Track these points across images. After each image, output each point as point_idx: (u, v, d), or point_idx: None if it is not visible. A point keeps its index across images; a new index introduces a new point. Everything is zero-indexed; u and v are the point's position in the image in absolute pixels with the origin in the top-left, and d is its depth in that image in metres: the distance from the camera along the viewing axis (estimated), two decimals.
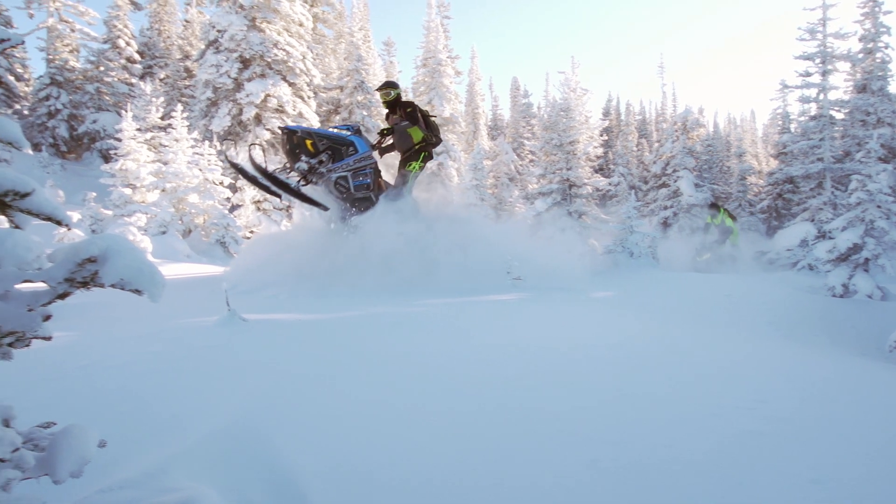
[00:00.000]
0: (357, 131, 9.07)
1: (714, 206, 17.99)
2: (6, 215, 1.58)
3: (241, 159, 8.51)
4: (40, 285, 1.56)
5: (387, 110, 9.69)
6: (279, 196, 8.33)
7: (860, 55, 18.16)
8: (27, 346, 1.58)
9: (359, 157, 8.83)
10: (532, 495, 2.42)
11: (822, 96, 17.91)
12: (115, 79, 24.88)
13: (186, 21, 29.97)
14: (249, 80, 18.57)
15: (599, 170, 26.86)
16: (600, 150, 17.37)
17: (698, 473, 2.57)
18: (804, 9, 17.54)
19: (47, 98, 23.04)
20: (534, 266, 9.00)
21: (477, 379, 3.77)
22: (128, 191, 14.63)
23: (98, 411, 3.09)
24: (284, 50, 18.75)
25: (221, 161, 16.04)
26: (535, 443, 2.86)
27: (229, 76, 18.54)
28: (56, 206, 1.62)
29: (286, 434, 2.85)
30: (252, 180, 8.18)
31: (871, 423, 3.29)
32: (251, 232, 16.24)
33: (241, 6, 18.42)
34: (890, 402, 3.72)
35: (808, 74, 18.02)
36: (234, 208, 17.05)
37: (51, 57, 23.33)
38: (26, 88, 24.37)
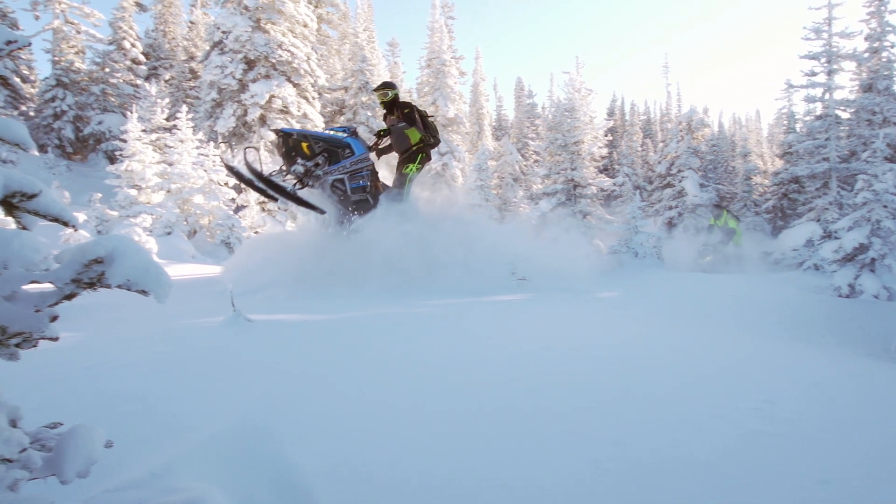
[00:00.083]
0: (353, 133, 8.98)
1: (718, 207, 17.96)
2: (14, 216, 1.58)
3: (239, 162, 8.41)
4: (47, 286, 1.57)
5: (385, 111, 9.59)
6: (276, 199, 8.28)
7: (866, 54, 18.06)
8: (34, 346, 1.58)
9: (355, 160, 8.75)
10: (535, 495, 2.41)
11: (827, 96, 17.83)
12: (121, 80, 24.95)
13: (191, 22, 30.04)
14: (254, 81, 18.59)
15: (604, 170, 26.85)
16: (605, 151, 17.31)
17: (703, 474, 2.57)
18: (809, 8, 17.46)
19: (53, 99, 23.13)
20: (538, 266, 8.97)
21: (480, 379, 3.77)
22: (133, 192, 14.67)
23: (104, 412, 3.10)
24: (289, 51, 18.76)
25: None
26: (539, 443, 2.86)
27: (234, 77, 18.57)
28: (63, 207, 1.62)
29: (291, 434, 2.86)
30: (248, 183, 8.08)
31: (878, 423, 3.28)
32: (256, 233, 16.25)
33: (246, 7, 18.45)
34: None
35: (814, 74, 17.93)
36: (238, 209, 17.07)
37: (56, 58, 23.42)
38: (32, 90, 24.46)
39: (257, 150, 8.60)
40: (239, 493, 2.34)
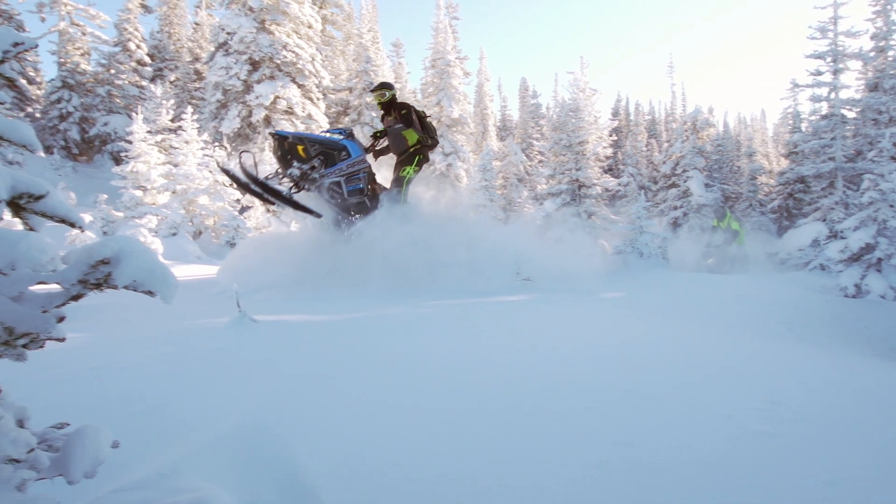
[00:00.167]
0: (350, 135, 8.89)
1: (721, 208, 17.93)
2: (21, 218, 1.59)
3: (235, 165, 8.33)
4: (54, 287, 1.57)
5: (382, 112, 9.46)
6: (272, 203, 8.20)
7: (872, 53, 17.97)
8: (41, 347, 1.59)
9: (352, 162, 8.66)
10: (538, 495, 2.41)
11: (833, 95, 17.75)
12: (126, 81, 25.05)
13: (196, 24, 30.12)
14: (259, 82, 18.64)
15: (609, 170, 26.77)
16: (609, 151, 17.27)
17: (708, 475, 2.56)
18: (815, 7, 17.39)
19: (59, 101, 23.24)
20: (543, 267, 8.94)
21: (483, 379, 3.76)
22: (139, 193, 14.73)
23: (110, 412, 3.11)
24: (293, 52, 18.81)
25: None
26: (542, 443, 2.86)
27: (239, 78, 18.62)
28: (69, 208, 1.63)
29: (296, 434, 2.86)
30: (244, 187, 8.00)
31: (885, 424, 3.26)
32: (261, 233, 16.29)
33: (251, 8, 18.50)
34: None
35: (820, 73, 17.85)
36: (244, 210, 17.10)
37: (62, 60, 23.53)
38: (38, 92, 24.57)
39: (253, 154, 8.54)
40: (244, 494, 2.34)
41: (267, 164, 8.80)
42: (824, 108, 18.25)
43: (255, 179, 7.87)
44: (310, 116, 19.11)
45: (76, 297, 1.58)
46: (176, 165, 15.71)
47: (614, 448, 2.80)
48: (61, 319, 1.60)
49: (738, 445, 2.85)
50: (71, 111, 23.22)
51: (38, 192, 1.54)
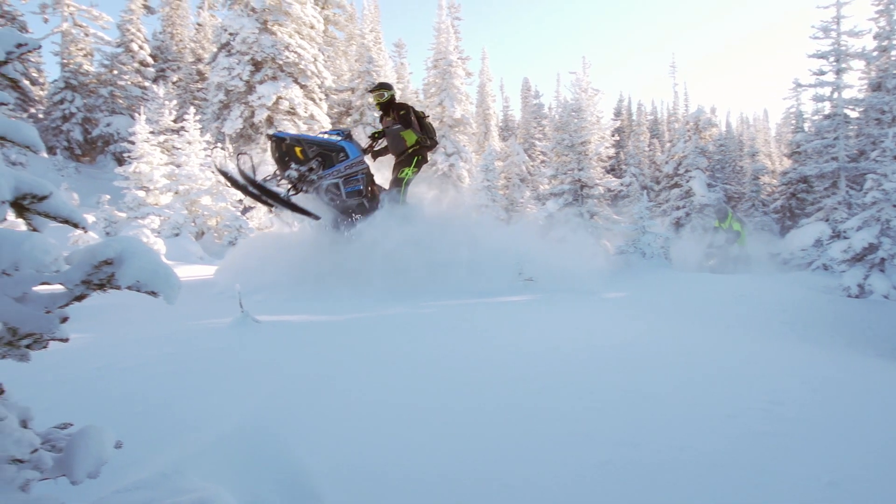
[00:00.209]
0: (348, 136, 8.83)
1: (722, 209, 17.89)
2: (24, 218, 1.59)
3: (233, 169, 8.25)
4: (58, 287, 1.58)
5: (381, 112, 9.40)
6: (271, 205, 8.14)
7: (875, 53, 17.92)
8: (44, 347, 1.59)
9: (350, 163, 8.59)
10: (541, 495, 2.41)
11: (836, 95, 17.70)
12: (129, 82, 25.11)
13: (198, 24, 30.17)
14: (261, 82, 18.66)
15: (611, 170, 26.73)
16: (612, 151, 17.25)
17: (711, 475, 2.56)
18: (818, 7, 17.35)
19: (62, 102, 23.30)
20: (545, 267, 8.93)
21: (485, 379, 3.77)
22: (141, 193, 14.75)
23: (113, 412, 3.12)
24: (296, 52, 18.82)
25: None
26: (544, 443, 2.86)
27: (241, 79, 18.65)
28: (73, 209, 1.63)
29: (298, 434, 2.86)
30: (242, 189, 7.95)
31: (888, 424, 3.26)
32: (259, 234, 16.30)
33: (253, 9, 18.53)
34: None
35: (822, 73, 17.81)
36: (246, 210, 17.12)
37: (65, 61, 23.60)
38: (41, 92, 24.65)
39: (250, 155, 8.50)
40: (246, 494, 2.35)
41: (269, 165, 8.73)
42: (827, 107, 18.22)
43: (252, 181, 7.83)
44: (312, 117, 19.13)
45: (79, 298, 1.59)
46: (178, 166, 15.73)
47: (616, 448, 2.79)
48: (65, 320, 1.60)
49: (740, 445, 2.85)
50: (74, 112, 23.28)
51: (42, 193, 1.54)
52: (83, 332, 5.05)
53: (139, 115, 16.36)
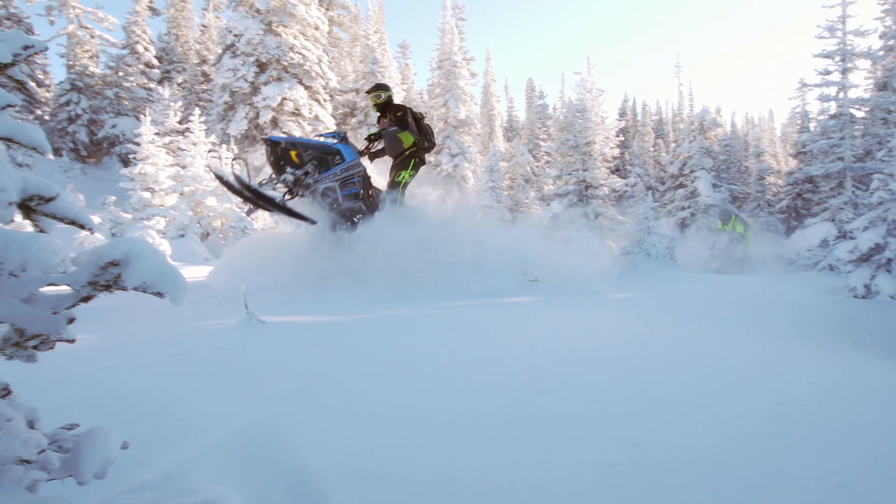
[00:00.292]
0: (344, 139, 8.75)
1: (725, 211, 17.84)
2: (31, 220, 1.60)
3: (229, 173, 8.18)
4: (64, 288, 1.58)
5: (378, 114, 9.29)
6: (268, 210, 8.10)
7: (881, 52, 17.87)
8: (51, 348, 1.60)
9: (346, 166, 8.52)
10: (546, 496, 2.41)
11: (841, 94, 17.67)
12: (134, 84, 25.21)
13: (203, 26, 30.27)
14: (266, 83, 18.69)
15: (616, 170, 26.70)
16: (616, 151, 17.22)
17: (716, 476, 2.55)
18: (823, 6, 17.32)
19: (68, 103, 23.41)
20: (550, 268, 8.91)
21: (490, 380, 3.76)
22: (147, 194, 14.81)
23: (120, 413, 3.12)
24: (300, 53, 18.85)
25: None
26: (550, 443, 2.85)
27: (246, 80, 18.68)
28: (79, 210, 1.64)
29: (304, 435, 2.87)
30: (238, 194, 7.89)
31: (895, 425, 3.24)
32: (257, 234, 16.31)
33: (258, 11, 18.56)
34: None
35: (828, 72, 17.77)
36: (251, 211, 17.08)
37: (71, 63, 23.70)
38: (47, 94, 24.75)
39: (246, 159, 8.46)
40: (253, 494, 2.35)
41: (270, 168, 8.69)
42: (833, 107, 18.18)
43: (247, 186, 7.79)
44: (317, 118, 19.15)
45: (86, 299, 1.59)
46: (184, 167, 15.79)
47: (621, 448, 2.79)
48: (71, 321, 1.61)
49: (746, 447, 2.84)
50: (79, 113, 23.38)
51: (49, 195, 1.55)
52: (89, 333, 5.06)
53: (144, 116, 16.42)
